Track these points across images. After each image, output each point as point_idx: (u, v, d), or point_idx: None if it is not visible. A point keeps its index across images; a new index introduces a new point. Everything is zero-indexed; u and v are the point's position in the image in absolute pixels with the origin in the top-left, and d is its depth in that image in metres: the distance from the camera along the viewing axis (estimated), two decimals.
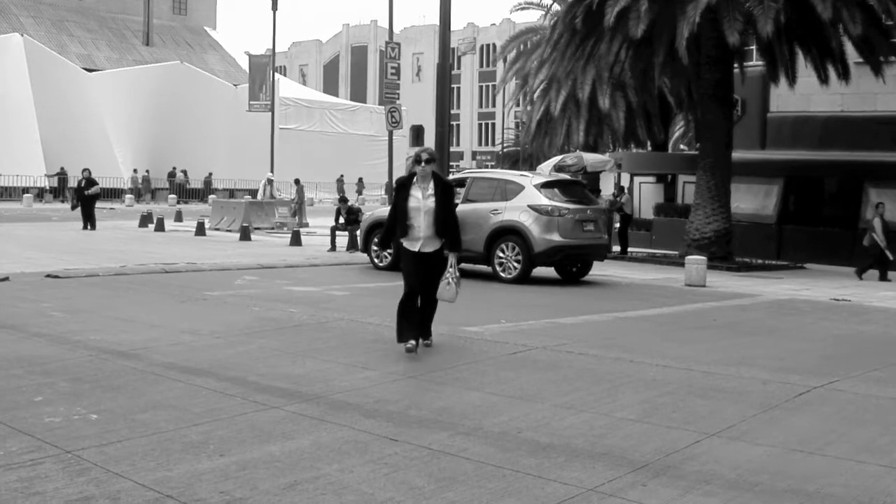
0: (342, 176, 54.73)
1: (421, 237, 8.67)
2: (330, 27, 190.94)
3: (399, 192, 8.86)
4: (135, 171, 50.75)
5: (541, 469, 5.39)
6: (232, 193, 49.53)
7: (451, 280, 8.74)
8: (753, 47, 23.68)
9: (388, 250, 9.29)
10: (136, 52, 64.46)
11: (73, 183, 39.41)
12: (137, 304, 11.73)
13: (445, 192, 8.80)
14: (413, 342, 8.60)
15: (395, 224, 8.82)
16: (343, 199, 25.36)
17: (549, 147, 35.20)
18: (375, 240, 16.88)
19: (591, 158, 27.07)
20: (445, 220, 8.68)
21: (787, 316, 13.41)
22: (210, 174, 52.73)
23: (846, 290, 17.22)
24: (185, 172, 52.74)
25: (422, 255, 8.71)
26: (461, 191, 16.55)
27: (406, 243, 8.79)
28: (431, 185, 8.70)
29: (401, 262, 9.01)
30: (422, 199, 8.66)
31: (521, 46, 39.22)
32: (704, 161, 22.13)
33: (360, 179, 57.99)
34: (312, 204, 46.50)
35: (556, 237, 16.01)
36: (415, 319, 8.70)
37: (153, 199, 49.65)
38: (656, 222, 28.18)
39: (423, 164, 8.69)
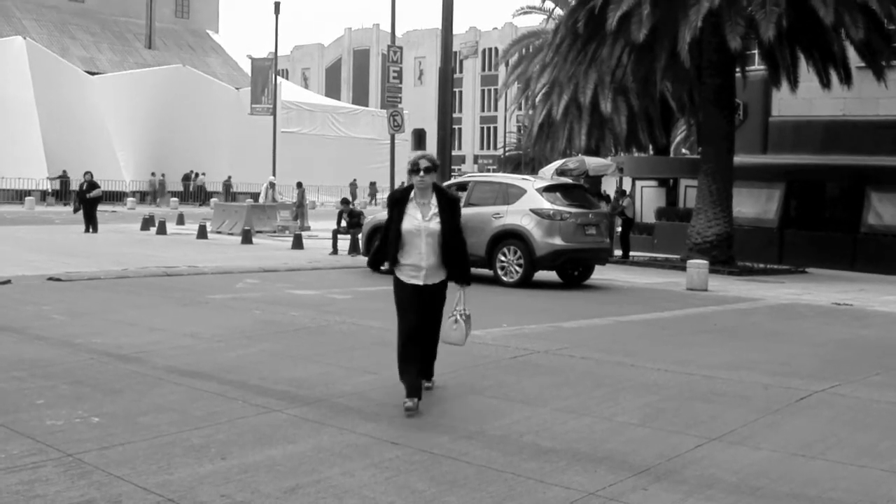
0: (355, 180, 54.71)
1: (423, 266, 6.89)
2: (332, 31, 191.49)
3: (393, 209, 7.01)
4: (153, 174, 51.33)
5: (542, 473, 5.39)
6: (234, 197, 49.66)
7: (458, 318, 7.12)
8: (755, 52, 23.68)
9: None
10: (139, 54, 64.52)
11: (74, 186, 39.46)
12: (139, 308, 11.73)
13: (452, 211, 6.96)
14: (416, 400, 6.81)
15: (388, 245, 7.06)
16: (345, 201, 25.31)
17: (551, 151, 35.21)
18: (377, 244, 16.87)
19: (593, 162, 27.11)
20: (453, 245, 6.94)
21: (789, 320, 13.40)
22: (229, 177, 52.87)
23: (847, 294, 17.21)
24: (204, 175, 53.10)
25: (422, 288, 6.93)
26: (462, 194, 16.56)
27: (401, 274, 6.98)
28: (434, 200, 6.90)
29: (394, 296, 7.12)
30: (422, 220, 6.84)
31: (524, 50, 39.21)
32: (706, 165, 22.14)
33: (373, 184, 57.91)
34: (314, 207, 46.52)
35: (557, 241, 16.01)
36: (417, 362, 7.04)
37: (155, 201, 49.81)
38: (658, 226, 28.18)
39: (421, 173, 6.83)
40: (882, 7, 19.46)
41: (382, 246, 7.15)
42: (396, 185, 7.99)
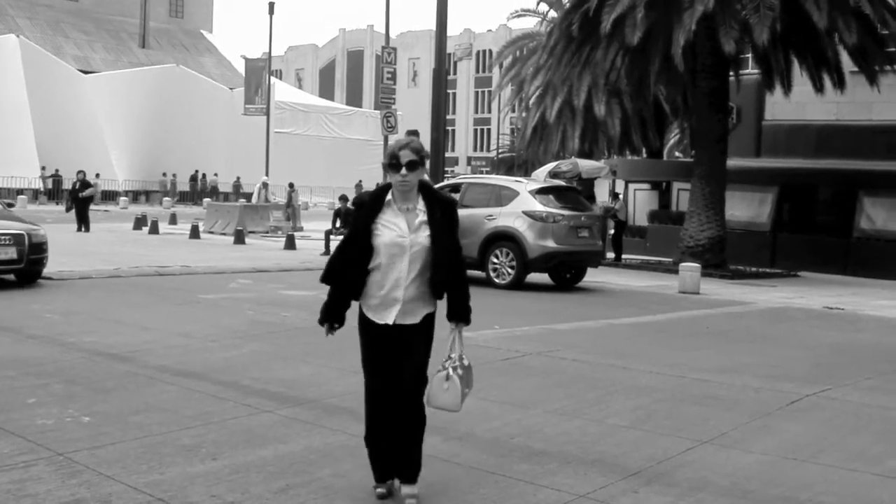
0: (361, 181, 54.85)
1: (400, 298, 4.68)
2: (326, 31, 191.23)
3: (361, 216, 4.79)
4: (164, 174, 52.08)
5: (533, 475, 5.39)
6: (226, 197, 49.67)
7: (450, 372, 4.73)
8: (749, 55, 23.74)
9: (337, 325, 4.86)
10: (132, 54, 64.39)
11: (67, 185, 39.41)
12: (131, 307, 11.71)
13: (448, 219, 4.80)
14: (386, 485, 4.94)
15: (348, 272, 4.74)
16: (343, 198, 25.20)
17: (544, 153, 35.21)
18: None
19: (586, 165, 27.05)
20: (448, 266, 4.75)
21: (781, 324, 13.43)
22: (238, 178, 52.88)
23: (840, 298, 17.25)
24: (216, 175, 53.31)
25: (398, 329, 4.71)
26: (455, 196, 16.55)
27: (370, 310, 4.76)
28: (422, 205, 4.75)
29: (360, 341, 4.85)
30: (406, 232, 4.69)
31: (518, 53, 39.28)
32: (699, 168, 22.18)
33: (378, 185, 57.98)
34: (307, 208, 46.49)
35: (550, 243, 16.02)
36: (386, 442, 4.86)
37: (147, 200, 49.81)
38: (650, 229, 28.21)
39: (403, 170, 4.65)
40: (875, 12, 19.54)
41: (338, 275, 4.78)
42: (354, 198, 5.07)
